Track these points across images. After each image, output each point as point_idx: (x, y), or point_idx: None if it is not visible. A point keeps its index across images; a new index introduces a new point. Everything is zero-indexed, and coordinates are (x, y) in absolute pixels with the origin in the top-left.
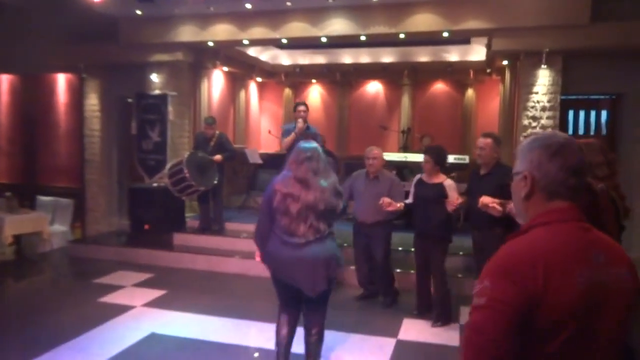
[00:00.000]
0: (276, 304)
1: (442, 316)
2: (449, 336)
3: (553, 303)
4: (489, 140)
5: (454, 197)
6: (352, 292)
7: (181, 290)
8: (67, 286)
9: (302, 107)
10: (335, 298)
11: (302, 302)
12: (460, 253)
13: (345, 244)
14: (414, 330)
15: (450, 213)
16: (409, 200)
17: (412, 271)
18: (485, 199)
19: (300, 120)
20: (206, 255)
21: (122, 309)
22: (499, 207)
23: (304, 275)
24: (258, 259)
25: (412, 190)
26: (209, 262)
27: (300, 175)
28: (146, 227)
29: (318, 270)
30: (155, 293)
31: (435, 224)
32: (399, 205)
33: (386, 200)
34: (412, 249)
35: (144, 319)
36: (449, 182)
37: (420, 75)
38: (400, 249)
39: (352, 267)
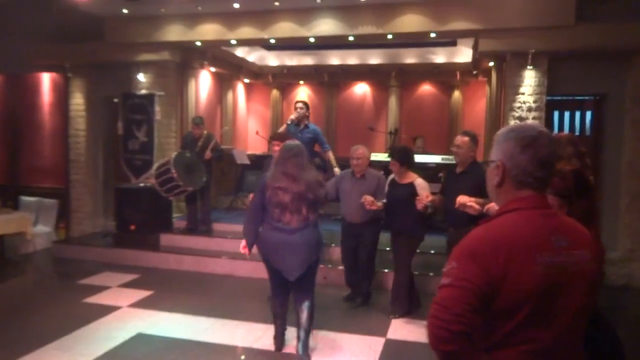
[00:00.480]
0: (263, 305)
1: (399, 308)
2: None
3: (512, 286)
4: (466, 138)
5: (423, 195)
6: (339, 292)
7: (168, 290)
8: (51, 287)
9: (299, 104)
10: (323, 298)
11: (285, 282)
12: (432, 252)
13: (332, 244)
14: (403, 329)
15: (421, 211)
16: (385, 200)
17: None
18: (463, 199)
19: (293, 114)
20: (193, 256)
21: (107, 310)
22: (476, 206)
23: (288, 260)
24: (244, 249)
25: (386, 190)
26: (196, 263)
27: (289, 171)
28: (132, 227)
29: (301, 254)
30: (142, 294)
31: (408, 222)
32: (379, 204)
33: (368, 198)
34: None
35: (130, 319)
36: (419, 182)
37: (408, 76)
38: (388, 249)
39: (340, 267)
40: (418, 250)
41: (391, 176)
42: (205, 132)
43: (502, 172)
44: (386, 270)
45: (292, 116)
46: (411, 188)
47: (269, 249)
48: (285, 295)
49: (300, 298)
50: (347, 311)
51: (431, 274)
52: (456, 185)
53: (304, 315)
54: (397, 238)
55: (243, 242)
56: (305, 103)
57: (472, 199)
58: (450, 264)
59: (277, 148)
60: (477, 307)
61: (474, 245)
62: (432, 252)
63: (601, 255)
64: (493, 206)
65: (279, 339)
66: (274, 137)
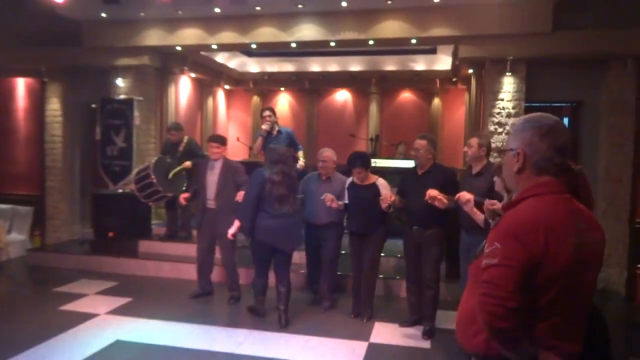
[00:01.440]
0: (244, 310)
1: (370, 310)
2: (420, 339)
3: (550, 262)
4: (423, 141)
5: (387, 195)
6: (301, 295)
7: (147, 297)
8: (25, 295)
9: (266, 113)
10: (294, 303)
11: (271, 262)
12: (398, 255)
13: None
14: (386, 333)
15: (384, 211)
16: (346, 201)
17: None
18: (433, 192)
19: (264, 125)
20: (173, 262)
21: (84, 317)
22: (445, 200)
23: (284, 238)
24: (231, 235)
25: (345, 193)
26: (175, 269)
27: (283, 169)
28: (110, 234)
29: (294, 234)
30: (120, 301)
31: (374, 223)
32: (340, 203)
33: (329, 195)
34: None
35: (108, 326)
36: (381, 181)
37: (388, 84)
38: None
39: (302, 271)
40: (382, 254)
41: (349, 179)
42: (185, 137)
43: (522, 159)
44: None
45: (264, 126)
46: (374, 188)
47: (270, 233)
48: (267, 276)
49: (280, 276)
50: (327, 316)
51: (397, 277)
52: (418, 185)
53: (284, 290)
54: (362, 240)
55: (232, 230)
56: (271, 109)
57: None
58: (493, 245)
59: (216, 150)
60: (523, 283)
61: (514, 226)
62: (399, 255)
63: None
64: (463, 194)
65: (262, 311)
66: (213, 138)
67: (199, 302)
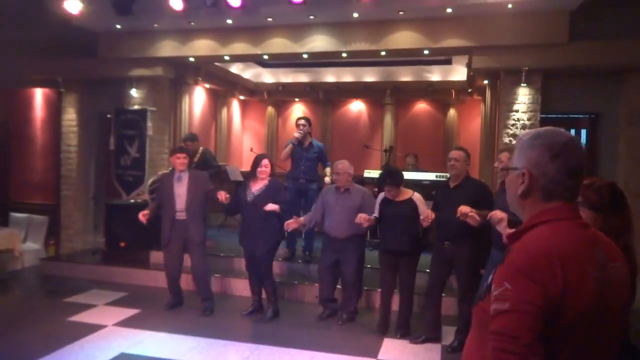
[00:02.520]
0: (252, 323)
1: (404, 328)
2: (429, 357)
3: (571, 303)
4: (461, 152)
5: (428, 212)
6: (313, 309)
7: (155, 309)
8: (36, 305)
9: (301, 121)
10: (299, 317)
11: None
12: (427, 270)
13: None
14: (395, 350)
15: (420, 228)
16: (376, 214)
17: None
18: (465, 208)
19: (297, 132)
20: (183, 273)
21: (92, 329)
22: (477, 217)
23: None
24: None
25: (377, 208)
26: (186, 281)
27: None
28: (122, 244)
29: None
30: (128, 312)
31: (408, 240)
32: (372, 217)
33: (363, 216)
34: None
35: (115, 338)
36: (417, 196)
37: (403, 94)
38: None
39: (316, 284)
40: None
41: (382, 195)
42: (201, 148)
43: (528, 181)
44: (378, 289)
45: (296, 134)
46: (411, 204)
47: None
48: (255, 274)
49: (261, 274)
50: (334, 330)
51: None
52: (451, 199)
53: (269, 290)
54: (396, 258)
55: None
56: (307, 119)
57: (473, 209)
58: (503, 286)
59: (184, 161)
60: (542, 332)
61: (526, 261)
62: (427, 270)
63: (633, 268)
64: (496, 213)
65: (256, 307)
66: (179, 149)
67: (205, 314)
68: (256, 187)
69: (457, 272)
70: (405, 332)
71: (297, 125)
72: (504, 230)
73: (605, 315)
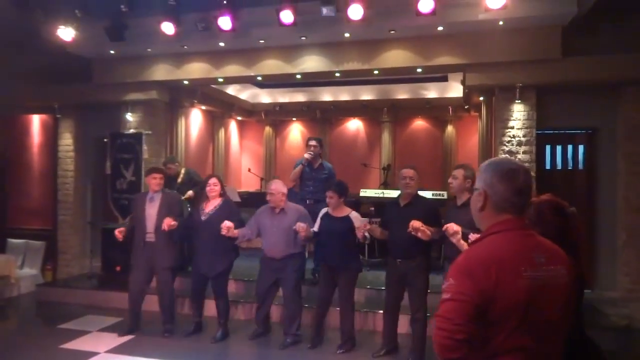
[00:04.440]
0: (246, 348)
1: (348, 343)
2: None
3: (502, 298)
4: (414, 171)
5: (362, 224)
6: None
7: (149, 334)
8: (29, 332)
9: (313, 142)
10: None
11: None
12: (368, 287)
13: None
14: None
15: (358, 244)
16: (315, 229)
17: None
18: (416, 223)
19: (307, 154)
20: (181, 297)
21: (84, 356)
22: (427, 232)
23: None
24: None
25: (318, 222)
26: (182, 304)
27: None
28: (118, 268)
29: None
30: (122, 339)
31: (347, 256)
32: (310, 230)
33: (301, 225)
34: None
35: None
36: (354, 214)
37: (400, 112)
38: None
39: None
40: (368, 287)
41: (324, 210)
42: (183, 169)
43: (483, 199)
44: (378, 311)
45: (306, 156)
46: (348, 221)
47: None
48: (201, 296)
49: (216, 292)
50: (330, 355)
51: (380, 311)
52: (401, 217)
53: (221, 304)
54: (335, 272)
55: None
56: (318, 140)
57: (423, 225)
58: (449, 281)
59: (159, 181)
60: (474, 317)
61: (467, 263)
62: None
63: (576, 272)
64: (451, 226)
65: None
66: (155, 169)
67: (201, 339)
68: (209, 207)
69: (408, 289)
70: (349, 347)
71: (308, 145)
72: (459, 242)
73: (542, 309)
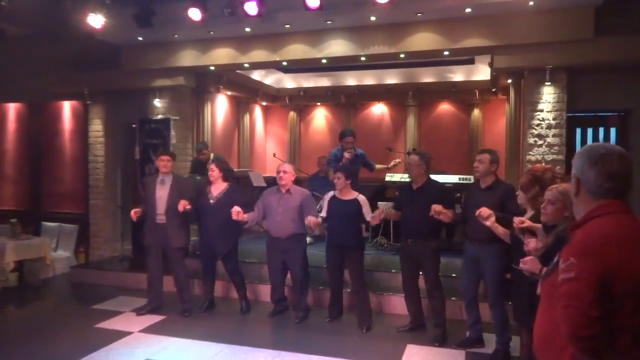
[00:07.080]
0: (276, 329)
1: (366, 320)
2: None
3: (626, 275)
4: (415, 158)
5: (377, 212)
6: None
7: (181, 315)
8: (65, 312)
9: (349, 139)
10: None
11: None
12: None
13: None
14: (418, 356)
15: (365, 225)
16: (323, 214)
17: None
18: (437, 207)
19: (347, 153)
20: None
21: (118, 335)
22: (449, 214)
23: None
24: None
25: (325, 205)
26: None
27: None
28: None
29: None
30: (154, 318)
31: (352, 236)
32: (319, 219)
33: (312, 220)
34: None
35: (140, 345)
36: (362, 198)
37: (425, 96)
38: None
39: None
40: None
41: (330, 193)
42: (212, 154)
43: (576, 185)
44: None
45: (347, 155)
46: (356, 204)
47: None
48: (212, 272)
49: (228, 270)
50: (355, 336)
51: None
52: (414, 200)
53: (236, 280)
54: (343, 252)
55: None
56: (352, 133)
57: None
58: (569, 260)
59: (167, 163)
60: (600, 296)
61: (588, 242)
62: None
63: None
64: (484, 210)
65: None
66: (165, 152)
67: (232, 321)
68: (216, 190)
69: (422, 268)
70: (367, 324)
71: (346, 142)
72: (493, 224)
73: None
